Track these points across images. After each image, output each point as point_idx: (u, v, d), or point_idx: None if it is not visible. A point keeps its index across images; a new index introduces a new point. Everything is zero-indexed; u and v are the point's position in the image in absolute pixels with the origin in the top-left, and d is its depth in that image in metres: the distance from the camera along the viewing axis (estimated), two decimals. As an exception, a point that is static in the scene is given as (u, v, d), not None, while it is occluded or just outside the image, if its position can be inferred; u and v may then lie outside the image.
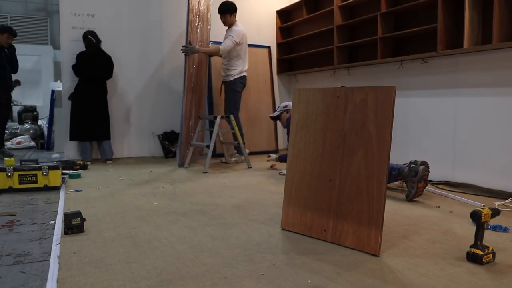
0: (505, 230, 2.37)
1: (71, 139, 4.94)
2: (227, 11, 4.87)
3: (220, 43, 4.91)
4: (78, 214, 2.30)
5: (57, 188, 3.44)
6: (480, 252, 1.86)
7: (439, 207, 2.89)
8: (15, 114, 11.23)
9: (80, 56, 4.86)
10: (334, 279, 1.71)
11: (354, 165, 2.05)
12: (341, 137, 2.11)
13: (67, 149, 5.17)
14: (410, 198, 2.98)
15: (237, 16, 5.00)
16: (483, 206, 2.66)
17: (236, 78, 4.88)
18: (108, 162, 5.00)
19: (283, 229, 2.34)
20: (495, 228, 2.38)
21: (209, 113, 5.54)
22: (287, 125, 4.25)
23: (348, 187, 2.07)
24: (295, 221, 2.28)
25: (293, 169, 2.32)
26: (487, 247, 1.88)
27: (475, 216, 1.87)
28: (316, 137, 2.21)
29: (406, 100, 4.07)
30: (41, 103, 13.51)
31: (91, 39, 4.89)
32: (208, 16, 5.12)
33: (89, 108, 4.86)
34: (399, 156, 4.17)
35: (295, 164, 2.32)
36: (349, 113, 2.09)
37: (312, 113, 2.24)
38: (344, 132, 2.10)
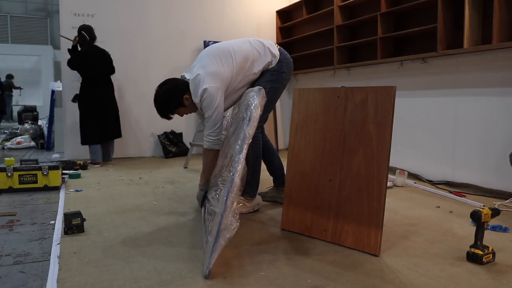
0: (505, 230, 2.37)
1: (84, 143, 4.65)
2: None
3: None
4: (78, 214, 2.30)
5: (57, 188, 3.44)
6: (480, 252, 1.86)
7: (439, 207, 2.89)
8: (15, 114, 11.24)
9: (80, 57, 4.56)
10: (334, 279, 1.71)
11: (354, 165, 2.05)
12: (341, 137, 2.11)
13: (67, 149, 5.17)
14: None
15: (237, 15, 4.95)
16: (483, 206, 2.66)
17: None
18: (109, 163, 4.89)
19: (283, 229, 2.34)
20: (495, 228, 2.38)
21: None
22: None
23: (348, 187, 2.07)
24: (295, 221, 2.28)
25: (293, 169, 2.31)
26: (487, 247, 1.88)
27: (475, 216, 1.87)
28: (316, 137, 2.21)
29: (406, 100, 4.07)
30: (41, 103, 13.53)
31: (84, 36, 4.54)
32: None
33: (101, 110, 4.64)
34: (399, 156, 4.17)
35: (295, 164, 2.31)
36: (349, 113, 2.08)
37: (312, 113, 2.23)
38: (344, 132, 2.10)
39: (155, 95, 2.53)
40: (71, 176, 3.92)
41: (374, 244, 1.97)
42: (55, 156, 5.36)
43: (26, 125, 7.31)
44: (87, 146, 4.83)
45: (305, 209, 2.24)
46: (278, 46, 2.79)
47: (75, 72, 4.80)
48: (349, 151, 2.08)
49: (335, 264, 1.87)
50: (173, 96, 2.49)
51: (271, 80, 2.62)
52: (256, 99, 2.06)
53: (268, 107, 2.53)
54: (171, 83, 2.54)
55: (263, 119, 2.67)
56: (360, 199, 2.03)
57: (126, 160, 5.18)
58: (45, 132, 6.60)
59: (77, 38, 4.58)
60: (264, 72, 2.63)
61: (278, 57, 2.68)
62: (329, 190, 2.14)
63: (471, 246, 1.90)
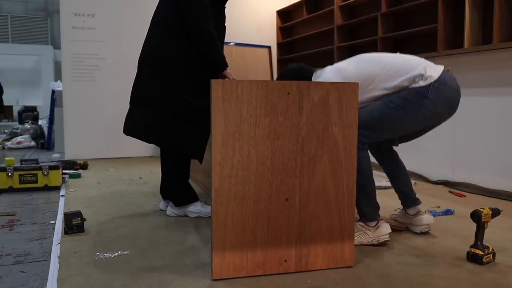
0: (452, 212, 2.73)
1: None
2: None
3: None
4: (78, 214, 2.30)
5: (57, 188, 3.44)
6: (480, 252, 1.86)
7: (439, 207, 2.89)
8: (15, 114, 11.24)
9: None
10: (334, 280, 1.70)
11: (318, 176, 1.78)
12: (297, 144, 1.75)
13: (67, 149, 5.18)
14: None
15: (237, 15, 4.93)
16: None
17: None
18: None
19: (215, 280, 1.70)
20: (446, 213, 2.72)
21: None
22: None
23: (312, 202, 1.78)
24: (236, 265, 1.73)
25: (225, 196, 1.69)
26: (487, 247, 1.88)
27: (475, 216, 1.87)
28: (259, 147, 1.72)
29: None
30: (41, 103, 13.55)
31: None
32: None
33: None
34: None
35: (227, 188, 1.69)
36: (306, 114, 1.75)
37: (249, 115, 1.70)
38: (302, 138, 1.75)
39: (287, 67, 2.36)
40: (71, 176, 3.92)
41: (348, 256, 1.83)
42: (55, 156, 5.37)
43: (26, 125, 7.32)
44: (87, 145, 4.79)
45: (253, 244, 1.73)
46: (445, 71, 2.11)
47: (76, 72, 4.80)
48: (310, 160, 1.76)
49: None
50: (303, 74, 2.31)
51: (404, 99, 2.05)
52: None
53: (387, 128, 2.11)
54: (305, 66, 2.36)
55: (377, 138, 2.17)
56: (329, 213, 1.80)
57: (126, 160, 5.18)
58: (45, 132, 6.60)
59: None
60: (405, 89, 2.08)
61: (431, 79, 2.04)
62: (286, 212, 1.76)
63: (471, 246, 1.90)
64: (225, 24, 2.64)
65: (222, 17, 2.53)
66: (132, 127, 2.49)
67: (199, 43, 2.38)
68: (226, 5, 2.64)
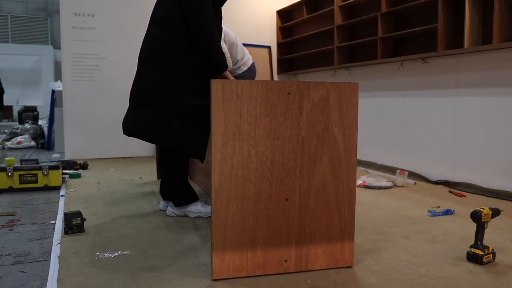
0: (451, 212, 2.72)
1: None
2: None
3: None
4: (78, 214, 2.30)
5: (57, 188, 3.44)
6: (480, 252, 1.86)
7: (439, 207, 2.89)
8: (15, 114, 11.25)
9: None
10: (334, 280, 1.71)
11: (318, 176, 1.78)
12: (297, 144, 1.76)
13: (67, 149, 5.18)
14: None
15: (237, 15, 4.95)
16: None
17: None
18: None
19: (215, 280, 1.72)
20: (446, 213, 2.72)
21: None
22: None
23: (312, 202, 1.79)
24: (236, 265, 1.74)
25: (226, 196, 1.70)
26: (487, 247, 1.88)
27: (475, 216, 1.87)
28: (260, 147, 1.72)
29: (406, 100, 4.07)
30: (41, 103, 13.56)
31: None
32: None
33: None
34: (399, 156, 4.17)
35: (227, 188, 1.70)
36: (306, 114, 1.75)
37: (249, 115, 1.70)
38: (302, 138, 1.76)
39: None
40: (71, 176, 3.92)
41: (348, 256, 1.85)
42: (55, 156, 5.37)
43: (27, 125, 7.32)
44: (87, 145, 4.79)
45: (252, 244, 1.74)
46: None
47: (76, 72, 4.80)
48: (310, 160, 1.77)
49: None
50: None
51: None
52: None
53: None
54: None
55: None
56: (329, 213, 1.80)
57: (126, 160, 5.18)
58: (45, 132, 6.60)
59: None
60: None
61: None
62: (286, 212, 1.76)
63: (471, 246, 1.90)
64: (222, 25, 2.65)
65: (218, 18, 2.53)
66: (134, 127, 2.49)
67: (200, 43, 2.38)
68: (225, 6, 2.64)
